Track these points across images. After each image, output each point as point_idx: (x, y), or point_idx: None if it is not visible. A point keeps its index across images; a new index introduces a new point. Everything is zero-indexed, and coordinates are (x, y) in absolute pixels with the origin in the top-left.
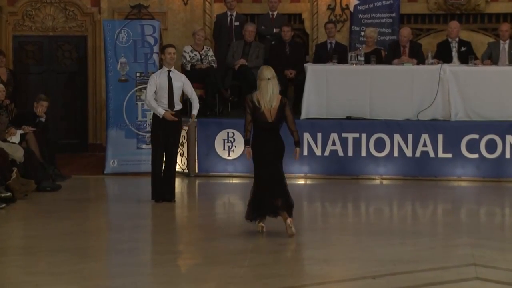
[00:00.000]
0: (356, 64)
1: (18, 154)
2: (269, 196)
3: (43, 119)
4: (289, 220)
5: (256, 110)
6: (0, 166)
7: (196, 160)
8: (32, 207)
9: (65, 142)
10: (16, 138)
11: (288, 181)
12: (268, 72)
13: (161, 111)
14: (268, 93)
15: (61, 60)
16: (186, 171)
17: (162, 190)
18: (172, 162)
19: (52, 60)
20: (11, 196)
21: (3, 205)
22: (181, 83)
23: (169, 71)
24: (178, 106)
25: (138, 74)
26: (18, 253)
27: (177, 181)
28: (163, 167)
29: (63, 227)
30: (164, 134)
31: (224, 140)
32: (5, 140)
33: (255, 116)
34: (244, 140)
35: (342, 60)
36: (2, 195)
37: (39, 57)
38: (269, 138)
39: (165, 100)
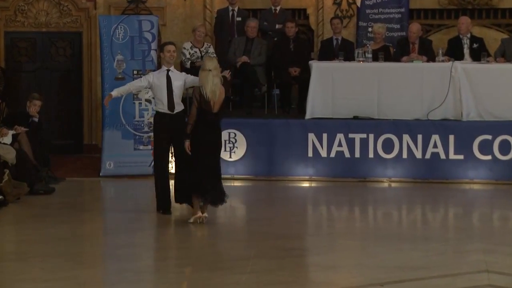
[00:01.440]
0: (363, 61)
1: (10, 155)
2: (200, 185)
3: (36, 119)
4: (204, 215)
5: (203, 101)
6: None
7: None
8: (25, 211)
9: (59, 143)
10: (8, 139)
11: (293, 184)
12: (210, 63)
13: (113, 92)
14: (209, 83)
15: (55, 57)
16: None
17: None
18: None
19: (46, 57)
20: (2, 199)
21: None
22: (182, 81)
23: (168, 70)
24: (179, 107)
25: (135, 72)
26: (10, 258)
27: None
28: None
29: (57, 232)
30: (168, 137)
31: (225, 140)
32: None
33: (201, 107)
34: (186, 134)
35: (349, 57)
36: None
37: (32, 54)
38: (210, 130)
39: (164, 101)
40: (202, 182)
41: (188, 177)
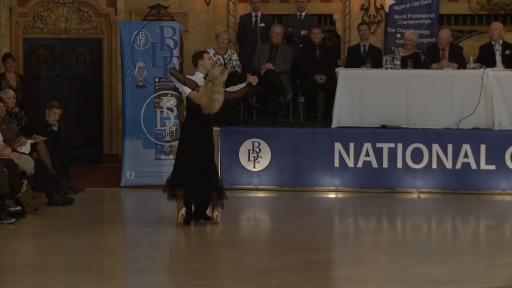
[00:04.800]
0: (391, 68)
1: (28, 165)
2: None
3: (55, 128)
4: (215, 214)
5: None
6: (10, 178)
7: (219, 172)
8: (43, 222)
9: (78, 153)
10: (26, 148)
11: (318, 195)
12: (219, 75)
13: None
14: (207, 95)
15: (74, 64)
16: None
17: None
18: None
19: (65, 64)
20: (21, 210)
21: (13, 220)
22: None
23: (204, 77)
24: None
25: (156, 80)
26: (28, 271)
27: None
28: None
29: (76, 244)
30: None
31: (249, 150)
32: (14, 150)
33: (194, 106)
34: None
35: (377, 64)
36: (12, 209)
37: (51, 61)
38: (203, 127)
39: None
40: (189, 179)
41: (175, 172)
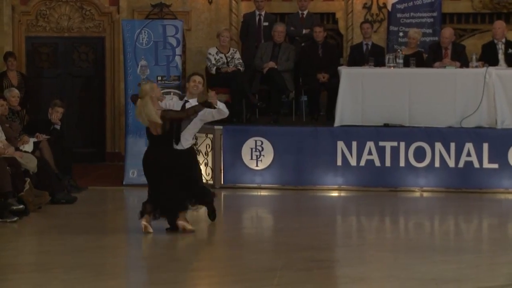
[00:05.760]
0: (394, 67)
1: (31, 164)
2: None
3: (58, 126)
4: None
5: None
6: (12, 176)
7: (222, 171)
8: (46, 220)
9: (81, 151)
10: (29, 147)
11: (321, 193)
12: (141, 90)
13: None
14: (141, 112)
15: (77, 63)
16: (211, 182)
17: None
18: None
19: (68, 63)
20: (23, 208)
21: (15, 219)
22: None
23: (186, 101)
24: (186, 142)
25: (159, 78)
26: (31, 270)
27: None
28: None
29: (78, 242)
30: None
31: (251, 149)
32: (17, 149)
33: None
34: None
35: (379, 62)
36: (14, 207)
37: (53, 60)
38: (158, 152)
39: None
40: (155, 198)
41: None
